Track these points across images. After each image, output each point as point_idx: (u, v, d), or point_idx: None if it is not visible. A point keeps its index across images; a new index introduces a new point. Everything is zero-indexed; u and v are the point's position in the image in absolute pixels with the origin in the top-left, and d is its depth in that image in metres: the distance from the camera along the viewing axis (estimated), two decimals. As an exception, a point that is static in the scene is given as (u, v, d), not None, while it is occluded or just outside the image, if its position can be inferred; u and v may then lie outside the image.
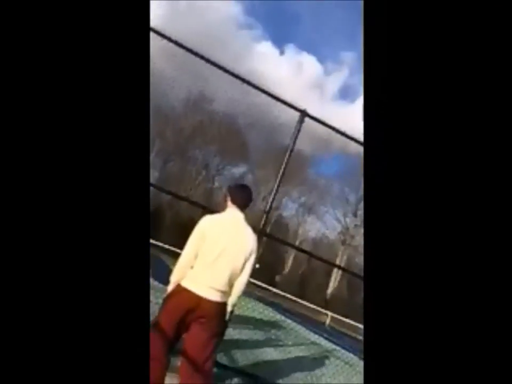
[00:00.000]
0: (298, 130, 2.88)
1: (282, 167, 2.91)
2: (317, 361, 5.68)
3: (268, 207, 2.90)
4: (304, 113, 2.90)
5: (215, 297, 1.94)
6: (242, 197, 2.13)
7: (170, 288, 2.01)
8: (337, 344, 9.14)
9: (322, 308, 20.39)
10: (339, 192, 31.71)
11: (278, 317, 9.94)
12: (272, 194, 2.90)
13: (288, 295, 18.76)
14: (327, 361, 6.02)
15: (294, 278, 27.75)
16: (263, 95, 2.78)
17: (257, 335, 5.44)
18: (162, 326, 1.92)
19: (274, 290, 19.17)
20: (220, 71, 2.69)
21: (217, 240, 1.98)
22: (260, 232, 2.84)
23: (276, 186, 2.92)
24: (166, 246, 14.60)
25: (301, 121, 2.89)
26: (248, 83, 2.77)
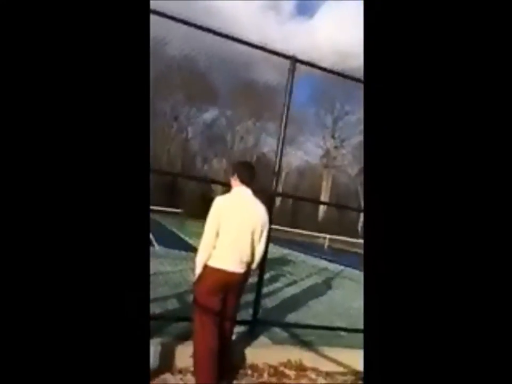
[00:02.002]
0: (291, 79, 2.72)
1: (283, 124, 2.79)
2: (328, 285, 6.15)
3: (276, 167, 2.83)
4: (294, 60, 2.70)
5: (242, 269, 2.16)
6: (248, 174, 2.28)
7: (198, 270, 2.13)
8: (342, 264, 9.81)
9: (318, 231, 21.45)
10: (314, 117, 31.48)
11: (283, 251, 10.45)
12: (280, 145, 2.81)
13: (285, 228, 19.54)
14: (335, 283, 6.52)
15: (286, 209, 28.60)
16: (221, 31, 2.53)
17: (270, 275, 5.72)
18: (209, 305, 2.12)
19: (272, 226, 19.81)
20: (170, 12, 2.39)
21: (234, 219, 2.13)
22: (271, 194, 2.82)
23: (281, 136, 2.81)
24: (166, 209, 14.56)
25: (292, 69, 2.70)
26: (211, 31, 2.51)
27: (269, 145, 31.03)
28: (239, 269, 2.13)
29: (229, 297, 2.18)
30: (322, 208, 30.27)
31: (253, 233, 2.16)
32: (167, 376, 2.24)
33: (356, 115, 30.26)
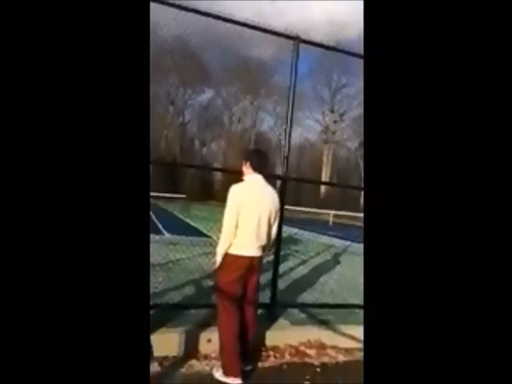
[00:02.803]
0: (296, 60, 2.66)
1: (290, 107, 2.76)
2: (337, 262, 6.26)
3: (286, 151, 2.83)
4: (298, 40, 2.64)
5: (260, 252, 2.27)
6: (260, 162, 2.31)
7: (219, 258, 2.19)
8: (348, 239, 9.92)
9: (322, 208, 21.54)
10: (312, 92, 30.96)
11: (288, 230, 10.53)
12: (288, 129, 2.79)
13: (289, 207, 19.55)
14: (344, 259, 6.62)
15: (288, 188, 28.51)
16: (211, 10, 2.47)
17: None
18: (231, 291, 2.21)
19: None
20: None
21: (252, 206, 2.19)
22: (283, 178, 2.83)
23: (289, 118, 2.78)
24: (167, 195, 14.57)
25: (296, 50, 2.65)
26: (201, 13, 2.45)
27: (266, 123, 30.74)
28: (258, 252, 2.23)
29: (250, 280, 2.25)
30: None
31: (269, 218, 2.25)
32: (193, 362, 2.33)
33: (353, 87, 29.79)
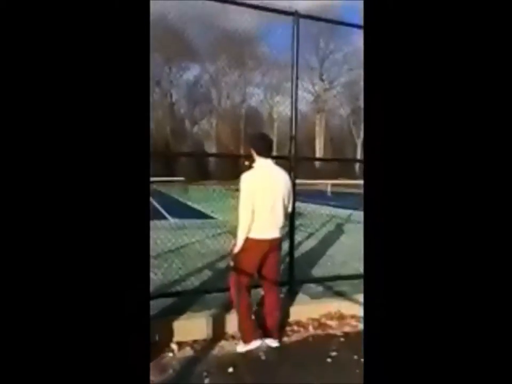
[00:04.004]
0: (297, 36, 2.61)
1: (293, 86, 2.71)
2: (342, 232, 6.38)
3: (293, 131, 2.82)
4: (297, 15, 2.57)
5: (279, 233, 2.36)
6: (263, 146, 2.31)
7: (239, 243, 2.26)
8: (348, 208, 10.04)
9: (317, 178, 21.59)
10: (300, 61, 30.16)
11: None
12: (293, 110, 2.78)
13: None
14: (347, 229, 6.75)
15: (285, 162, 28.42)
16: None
17: (285, 231, 5.85)
18: (250, 272, 2.33)
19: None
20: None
21: (266, 191, 2.25)
22: (291, 158, 2.84)
23: (293, 98, 2.76)
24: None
25: (296, 25, 2.59)
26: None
27: (256, 96, 30.18)
28: (278, 234, 2.32)
29: (271, 261, 2.34)
30: (318, 154, 30.19)
31: (283, 200, 2.31)
32: (223, 343, 2.43)
33: (341, 52, 29.13)
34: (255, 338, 2.32)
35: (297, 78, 2.72)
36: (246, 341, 2.32)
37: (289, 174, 2.89)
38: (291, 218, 2.96)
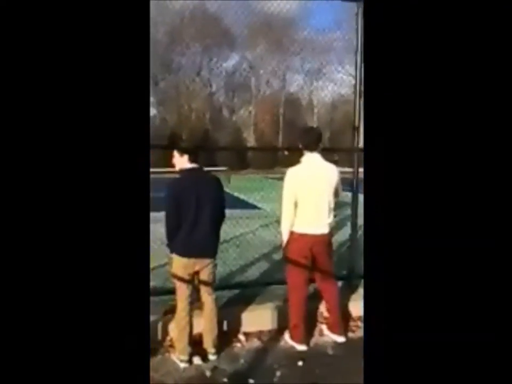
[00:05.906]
0: (361, 23, 2.54)
1: (357, 78, 2.62)
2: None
3: (356, 122, 2.75)
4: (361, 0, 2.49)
5: (327, 229, 2.31)
6: (310, 141, 2.28)
7: (285, 237, 2.31)
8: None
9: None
10: (341, 42, 29.16)
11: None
12: (358, 103, 2.72)
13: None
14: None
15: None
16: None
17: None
18: (300, 267, 2.30)
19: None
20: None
21: (310, 186, 2.23)
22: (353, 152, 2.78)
23: (357, 92, 2.69)
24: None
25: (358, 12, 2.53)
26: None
27: (295, 82, 29.61)
28: (325, 229, 2.28)
29: (322, 256, 2.32)
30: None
31: (330, 194, 2.29)
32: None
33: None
34: (300, 342, 2.30)
35: (361, 67, 2.63)
36: (293, 339, 2.33)
37: (354, 167, 2.85)
38: (354, 211, 2.91)
